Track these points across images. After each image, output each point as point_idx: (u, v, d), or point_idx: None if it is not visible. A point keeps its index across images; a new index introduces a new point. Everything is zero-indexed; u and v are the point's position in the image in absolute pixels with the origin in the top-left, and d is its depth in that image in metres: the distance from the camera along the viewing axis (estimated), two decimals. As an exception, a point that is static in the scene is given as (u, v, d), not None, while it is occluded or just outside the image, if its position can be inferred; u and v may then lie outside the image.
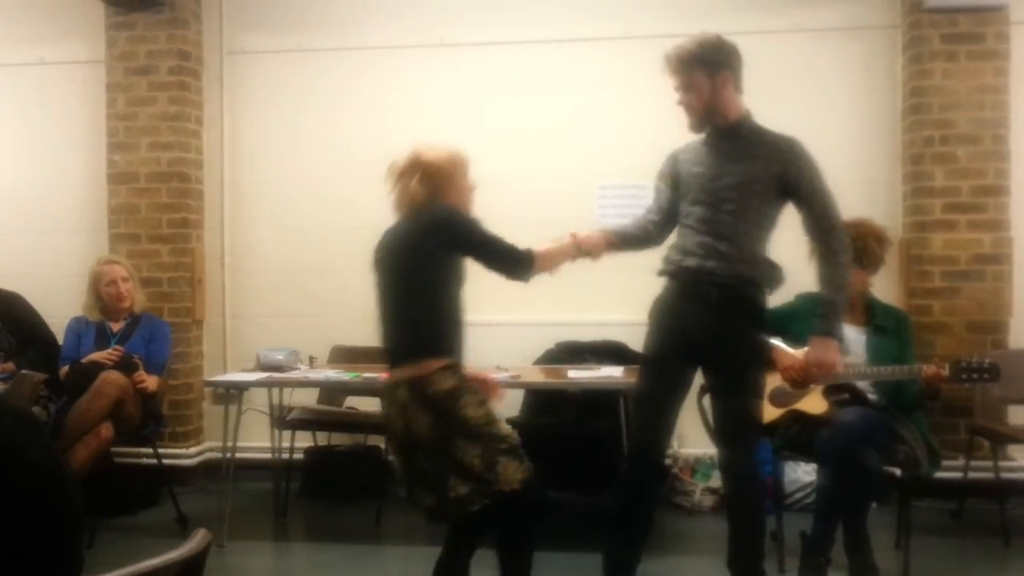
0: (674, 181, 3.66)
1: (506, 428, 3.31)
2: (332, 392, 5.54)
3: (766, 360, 3.70)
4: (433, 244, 3.23)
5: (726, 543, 3.70)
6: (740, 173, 3.43)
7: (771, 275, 3.54)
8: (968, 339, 5.19)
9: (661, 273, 3.64)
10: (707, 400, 4.26)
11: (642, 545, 3.77)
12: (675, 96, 3.55)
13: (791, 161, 3.41)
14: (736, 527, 3.65)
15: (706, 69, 3.45)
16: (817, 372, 3.49)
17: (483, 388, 3.37)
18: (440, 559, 3.42)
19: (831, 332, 3.43)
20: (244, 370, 5.16)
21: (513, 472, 3.26)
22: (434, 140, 3.43)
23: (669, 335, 3.58)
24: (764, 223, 3.48)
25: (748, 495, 3.61)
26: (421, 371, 3.17)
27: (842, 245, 3.42)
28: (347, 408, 5.60)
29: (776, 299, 4.21)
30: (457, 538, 3.41)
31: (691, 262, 3.50)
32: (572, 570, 4.05)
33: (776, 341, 4.10)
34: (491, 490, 3.21)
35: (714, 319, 3.45)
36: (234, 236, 6.10)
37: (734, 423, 3.55)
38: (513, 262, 3.32)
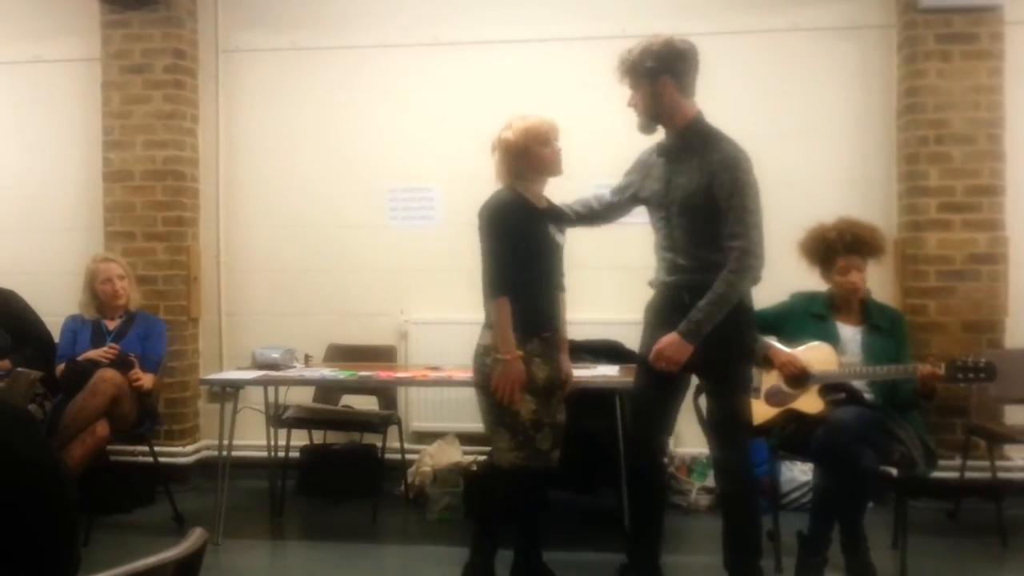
0: (637, 174, 3.82)
1: (528, 411, 3.58)
2: (328, 391, 5.53)
3: (752, 357, 3.71)
4: None
5: (722, 542, 3.72)
6: (681, 188, 3.55)
7: None
8: (963, 338, 5.19)
9: (651, 284, 3.79)
10: (703, 399, 4.30)
11: (657, 542, 3.83)
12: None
13: (717, 173, 3.47)
14: (731, 525, 3.67)
15: (647, 75, 3.56)
16: (656, 360, 3.53)
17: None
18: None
19: (690, 337, 3.47)
20: (240, 368, 5.16)
21: (506, 451, 3.60)
22: (523, 113, 3.75)
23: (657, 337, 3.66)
24: (716, 229, 3.50)
25: (742, 493, 3.65)
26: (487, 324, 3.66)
27: (743, 268, 3.44)
28: (343, 407, 5.59)
29: (771, 298, 4.24)
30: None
31: (662, 276, 3.69)
32: (567, 568, 4.05)
33: (771, 340, 4.12)
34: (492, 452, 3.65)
35: (677, 320, 3.54)
36: (229, 234, 6.10)
37: (724, 422, 3.62)
38: (487, 287, 3.60)
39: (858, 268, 4.13)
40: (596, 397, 4.82)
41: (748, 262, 3.43)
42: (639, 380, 3.79)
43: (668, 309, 3.63)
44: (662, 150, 3.68)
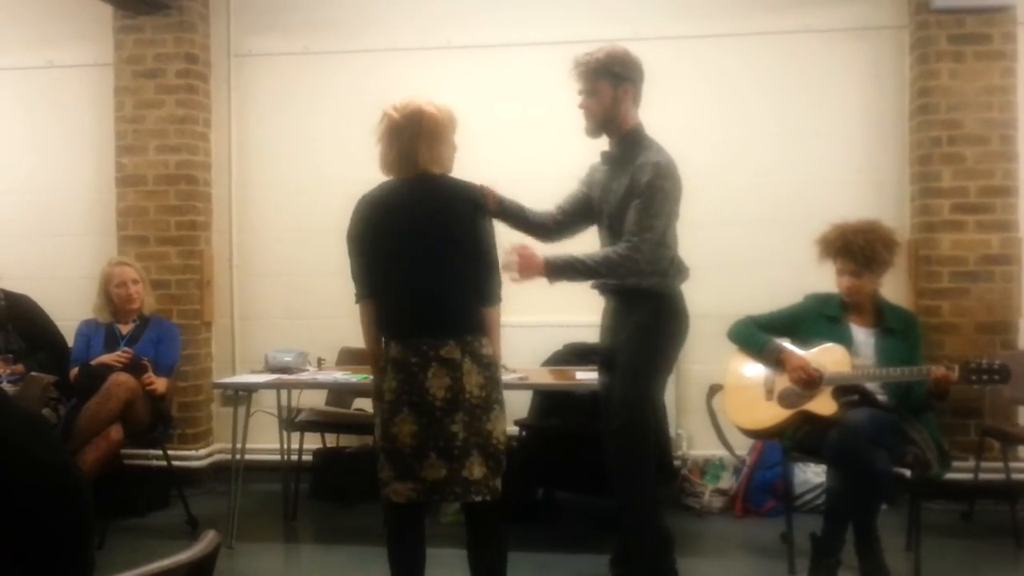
0: (586, 192, 3.89)
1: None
2: (340, 394, 5.54)
3: (668, 357, 3.78)
4: None
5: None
6: (615, 193, 3.69)
7: (670, 276, 3.70)
8: (977, 340, 5.18)
9: (593, 287, 3.87)
10: (716, 401, 4.31)
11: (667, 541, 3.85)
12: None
13: (638, 180, 3.58)
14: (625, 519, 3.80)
15: (611, 79, 3.65)
16: (512, 259, 3.50)
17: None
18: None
19: (550, 268, 3.53)
20: (253, 372, 5.18)
21: None
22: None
23: (605, 339, 3.91)
24: None
25: (616, 461, 3.76)
26: (475, 333, 3.28)
27: (625, 259, 3.55)
28: (355, 410, 5.60)
29: (785, 300, 4.23)
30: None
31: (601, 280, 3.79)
32: (578, 571, 4.05)
33: (784, 342, 4.11)
34: (497, 481, 3.26)
35: (616, 320, 3.77)
36: (242, 238, 6.12)
37: (617, 408, 3.71)
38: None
39: (852, 274, 4.09)
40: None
41: (632, 256, 3.55)
42: (603, 379, 3.92)
43: (610, 309, 3.83)
44: (606, 158, 3.80)
